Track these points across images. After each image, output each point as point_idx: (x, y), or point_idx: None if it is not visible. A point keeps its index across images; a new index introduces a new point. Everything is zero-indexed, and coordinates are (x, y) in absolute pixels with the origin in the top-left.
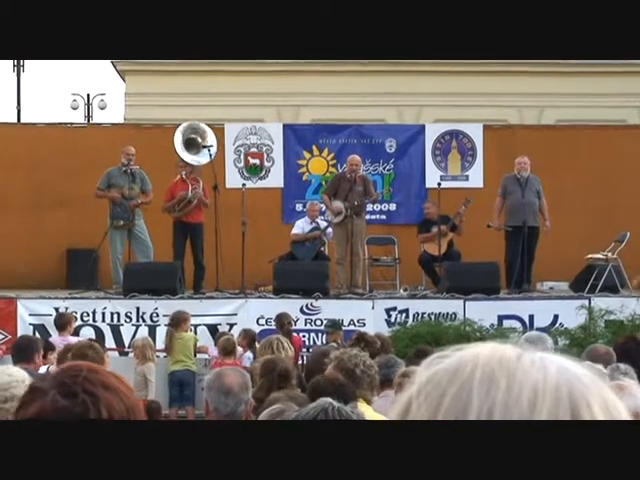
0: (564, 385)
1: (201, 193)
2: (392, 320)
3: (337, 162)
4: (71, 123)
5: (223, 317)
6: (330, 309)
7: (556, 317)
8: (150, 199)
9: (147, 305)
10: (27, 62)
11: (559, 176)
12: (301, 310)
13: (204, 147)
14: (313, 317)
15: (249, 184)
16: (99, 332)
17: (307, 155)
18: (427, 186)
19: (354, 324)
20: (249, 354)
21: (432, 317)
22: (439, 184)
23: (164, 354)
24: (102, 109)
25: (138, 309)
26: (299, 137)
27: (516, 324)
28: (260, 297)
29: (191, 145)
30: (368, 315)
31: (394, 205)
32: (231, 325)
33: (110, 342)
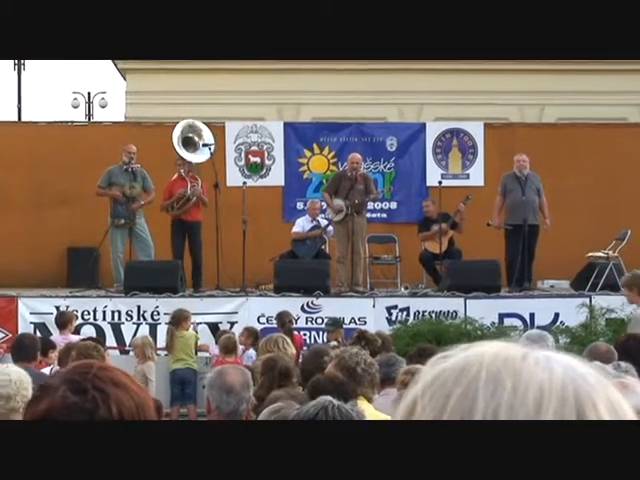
0: (570, 384)
1: (200, 190)
2: (393, 318)
3: (338, 160)
4: (72, 121)
5: (224, 315)
6: (331, 307)
7: (557, 315)
8: (152, 198)
9: (148, 303)
10: (28, 61)
11: (560, 174)
12: (302, 308)
13: (204, 145)
14: (314, 315)
15: (250, 182)
16: (100, 330)
17: (308, 153)
18: (428, 184)
19: (355, 322)
20: (252, 352)
21: (433, 315)
22: (440, 182)
23: (165, 352)
24: (103, 107)
25: (139, 307)
26: (300, 135)
27: (517, 322)
28: (261, 295)
29: (188, 144)
30: (369, 313)
31: (395, 203)
32: (232, 323)
33: (111, 340)
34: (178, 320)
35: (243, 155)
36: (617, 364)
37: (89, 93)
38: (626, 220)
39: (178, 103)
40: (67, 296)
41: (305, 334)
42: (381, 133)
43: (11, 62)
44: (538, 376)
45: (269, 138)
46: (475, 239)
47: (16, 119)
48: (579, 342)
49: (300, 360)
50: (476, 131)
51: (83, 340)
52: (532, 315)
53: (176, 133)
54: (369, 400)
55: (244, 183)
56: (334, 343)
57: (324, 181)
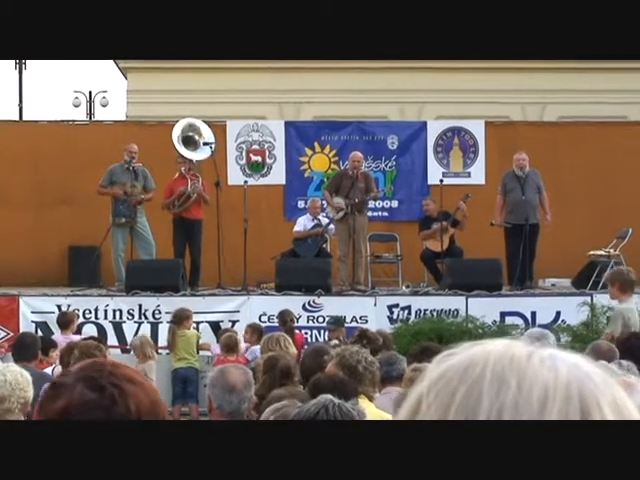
0: (574, 383)
1: (200, 188)
2: (394, 317)
3: (339, 159)
4: (73, 120)
5: (225, 314)
6: (332, 306)
7: (558, 314)
8: (151, 197)
9: (149, 302)
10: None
11: (561, 173)
12: (303, 307)
13: (205, 144)
14: (315, 314)
15: (251, 181)
16: (101, 329)
17: (309, 152)
18: (429, 183)
19: (356, 321)
20: (257, 347)
21: (434, 314)
22: (441, 181)
23: (166, 351)
24: (104, 106)
25: (140, 306)
26: (301, 134)
27: (518, 321)
28: (262, 294)
29: (189, 142)
30: (370, 312)
31: (396, 202)
32: (233, 322)
33: (112, 339)
34: (180, 319)
35: (244, 154)
36: (619, 363)
37: (90, 92)
38: (627, 218)
39: (179, 102)
40: (68, 295)
41: (306, 333)
42: (382, 132)
43: (12, 61)
44: (543, 375)
45: (270, 137)
46: (476, 237)
47: (17, 118)
48: (580, 340)
49: (301, 359)
50: (477, 129)
51: (85, 339)
52: (533, 313)
53: (176, 132)
54: (370, 399)
55: (245, 182)
56: (335, 342)
57: (325, 180)
